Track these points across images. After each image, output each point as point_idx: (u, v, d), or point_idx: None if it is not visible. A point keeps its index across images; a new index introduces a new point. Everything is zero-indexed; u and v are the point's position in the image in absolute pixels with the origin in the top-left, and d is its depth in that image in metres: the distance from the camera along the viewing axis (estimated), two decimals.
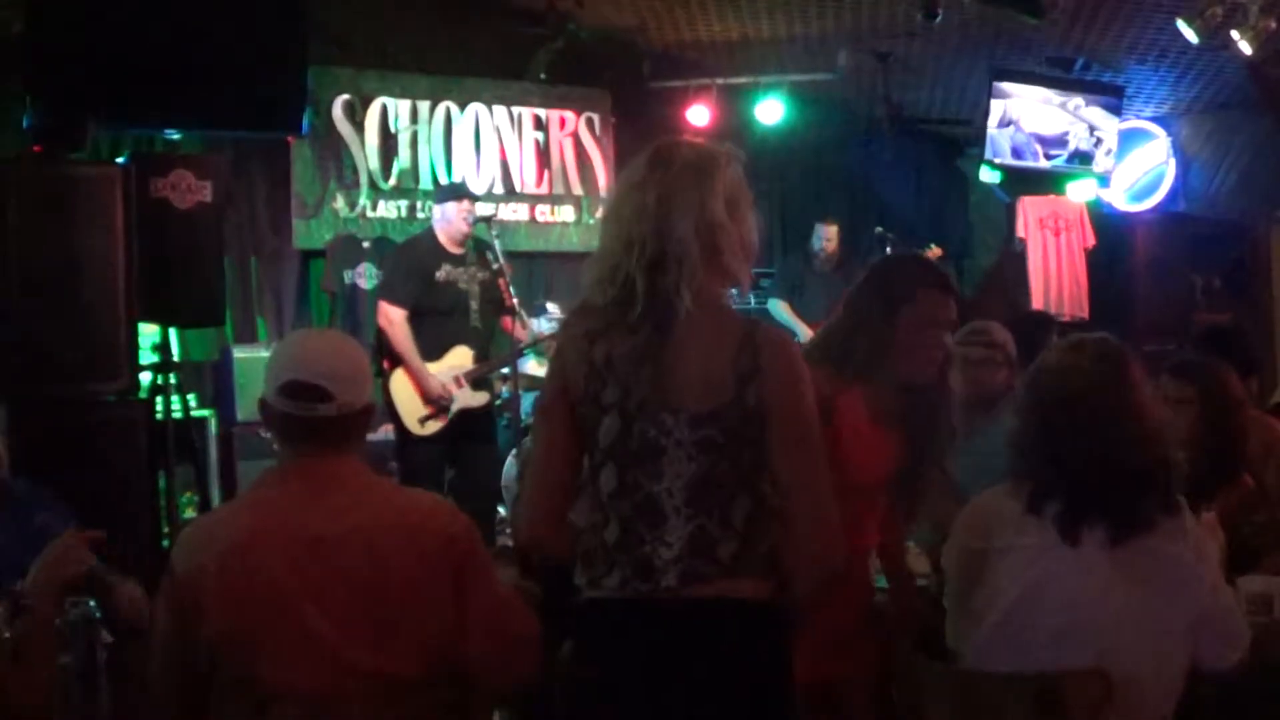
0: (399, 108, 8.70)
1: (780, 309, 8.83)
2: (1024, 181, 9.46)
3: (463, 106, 8.95)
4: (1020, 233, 9.78)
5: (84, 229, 5.04)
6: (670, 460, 2.40)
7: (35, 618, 2.53)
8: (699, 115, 9.19)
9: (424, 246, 6.59)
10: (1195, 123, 9.51)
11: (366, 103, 8.57)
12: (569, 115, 9.39)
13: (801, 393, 2.42)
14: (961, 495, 3.32)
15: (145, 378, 5.46)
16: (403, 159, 8.70)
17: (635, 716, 2.42)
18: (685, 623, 2.39)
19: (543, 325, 7.19)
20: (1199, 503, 3.35)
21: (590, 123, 9.47)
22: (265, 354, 6.09)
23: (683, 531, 2.39)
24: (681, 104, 9.24)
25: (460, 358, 6.49)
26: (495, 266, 6.51)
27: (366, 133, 8.56)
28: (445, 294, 6.45)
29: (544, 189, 9.29)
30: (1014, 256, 9.87)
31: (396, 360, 6.40)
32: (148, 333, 5.76)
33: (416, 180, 8.73)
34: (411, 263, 6.54)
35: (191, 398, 6.78)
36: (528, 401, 6.65)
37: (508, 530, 6.63)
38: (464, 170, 8.86)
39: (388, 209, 8.62)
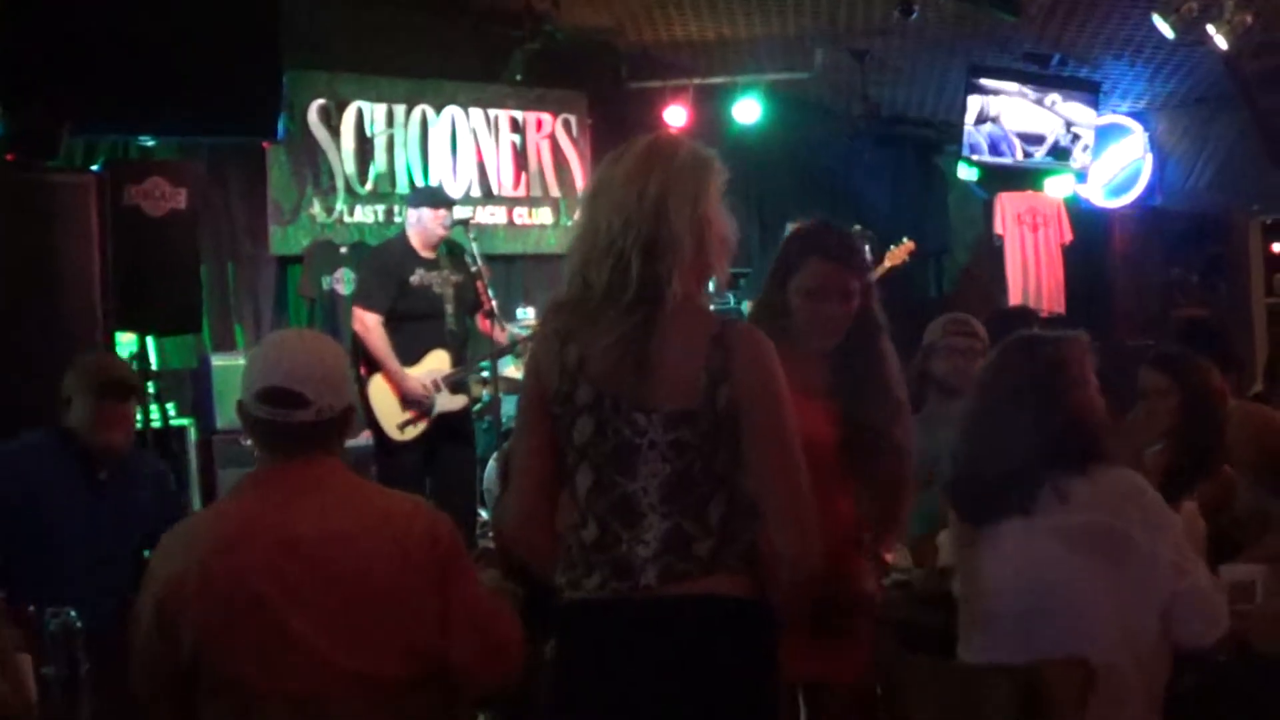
0: (375, 112, 8.66)
1: None
2: (1002, 178, 9.49)
3: (439, 110, 8.92)
4: (998, 229, 9.83)
5: (59, 237, 5.02)
6: (645, 460, 2.40)
7: None
8: (676, 115, 9.19)
9: (397, 251, 6.57)
10: (1172, 117, 9.52)
11: (342, 107, 8.53)
12: (546, 117, 9.37)
13: (774, 392, 2.41)
14: (920, 468, 3.36)
15: None
16: (379, 163, 8.66)
17: (618, 716, 2.42)
18: (665, 620, 2.38)
19: (516, 329, 7.17)
20: (1179, 493, 3.39)
21: (567, 124, 9.45)
22: (244, 361, 6.06)
23: (659, 530, 2.39)
24: (659, 104, 9.24)
25: (437, 361, 6.47)
26: (473, 269, 6.50)
27: (342, 137, 8.52)
28: (420, 298, 6.43)
29: (521, 191, 9.27)
30: (992, 252, 9.90)
31: (374, 366, 6.37)
32: (126, 341, 5.73)
33: (393, 184, 8.69)
34: (385, 267, 6.52)
35: (170, 406, 6.76)
36: (508, 405, 6.63)
37: (489, 533, 6.62)
38: (441, 174, 8.83)
39: (365, 214, 8.58)
